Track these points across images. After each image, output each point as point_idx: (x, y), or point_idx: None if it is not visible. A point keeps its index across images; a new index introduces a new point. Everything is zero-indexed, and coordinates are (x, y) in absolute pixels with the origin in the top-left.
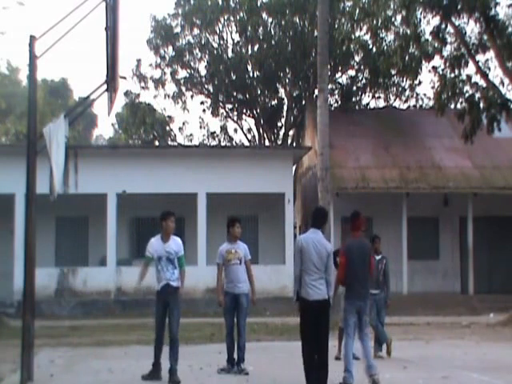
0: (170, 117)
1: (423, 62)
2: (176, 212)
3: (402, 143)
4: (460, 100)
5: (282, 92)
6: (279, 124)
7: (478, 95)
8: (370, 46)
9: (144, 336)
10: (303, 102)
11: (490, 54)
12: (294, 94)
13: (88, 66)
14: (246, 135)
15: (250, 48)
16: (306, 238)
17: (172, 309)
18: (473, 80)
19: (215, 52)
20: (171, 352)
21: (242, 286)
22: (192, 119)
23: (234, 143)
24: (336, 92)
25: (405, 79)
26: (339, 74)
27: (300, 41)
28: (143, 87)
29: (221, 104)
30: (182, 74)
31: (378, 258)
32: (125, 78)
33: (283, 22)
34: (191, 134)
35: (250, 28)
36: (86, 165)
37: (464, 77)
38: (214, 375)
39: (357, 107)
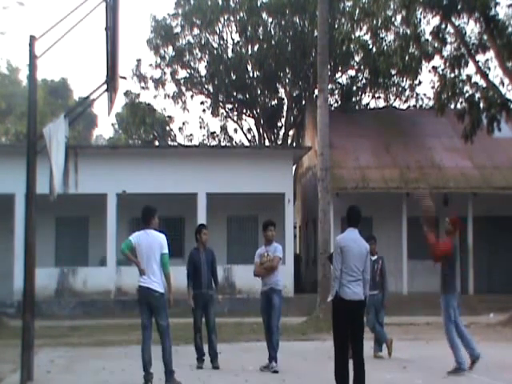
0: (170, 117)
1: (423, 61)
2: (176, 212)
3: (402, 143)
4: (460, 100)
5: (282, 92)
6: (279, 124)
7: (478, 95)
8: (370, 46)
9: None
10: (303, 102)
11: (490, 54)
12: (294, 94)
13: (88, 66)
14: (245, 135)
15: (250, 48)
16: (346, 238)
17: None
18: (473, 80)
19: (215, 52)
20: None
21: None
22: (192, 119)
23: (234, 143)
24: (336, 92)
25: (405, 79)
26: (339, 73)
27: (300, 41)
28: (143, 87)
29: (221, 104)
30: (182, 73)
31: (373, 258)
32: (125, 77)
33: (283, 22)
34: (191, 134)
35: (250, 28)
36: (86, 165)
37: (464, 77)
38: (214, 375)
39: (357, 107)
